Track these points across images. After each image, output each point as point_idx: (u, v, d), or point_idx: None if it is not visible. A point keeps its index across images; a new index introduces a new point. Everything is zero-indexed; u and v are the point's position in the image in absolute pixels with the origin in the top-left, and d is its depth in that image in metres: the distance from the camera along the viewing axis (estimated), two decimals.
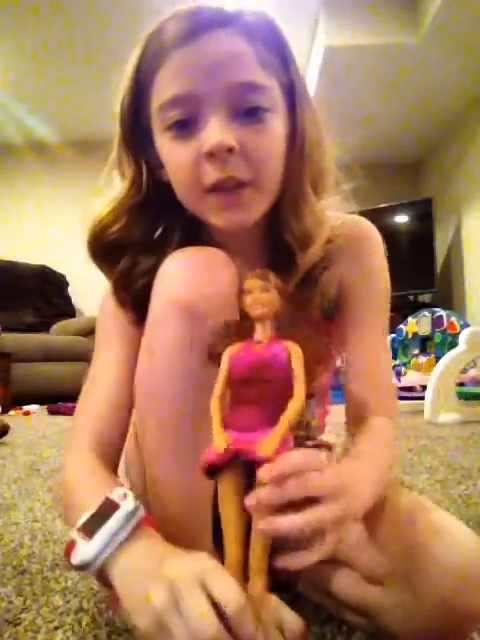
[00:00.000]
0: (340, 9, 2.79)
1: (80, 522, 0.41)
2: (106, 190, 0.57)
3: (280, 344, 0.39)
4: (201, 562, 0.37)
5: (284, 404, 0.38)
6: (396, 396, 0.62)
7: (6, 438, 1.80)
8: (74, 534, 0.40)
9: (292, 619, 0.46)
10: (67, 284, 4.03)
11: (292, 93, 0.53)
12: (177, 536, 0.49)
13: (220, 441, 0.37)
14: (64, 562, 0.71)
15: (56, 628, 0.53)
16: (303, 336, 0.40)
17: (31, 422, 2.46)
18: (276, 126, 0.51)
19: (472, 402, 2.33)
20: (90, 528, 0.40)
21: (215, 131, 0.47)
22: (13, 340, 3.24)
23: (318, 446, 0.63)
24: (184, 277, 0.48)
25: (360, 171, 0.57)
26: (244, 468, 0.38)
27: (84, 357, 3.44)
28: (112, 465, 0.55)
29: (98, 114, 3.47)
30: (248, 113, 0.49)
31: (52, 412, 2.79)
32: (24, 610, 0.57)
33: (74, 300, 4.02)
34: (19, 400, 2.99)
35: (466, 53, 2.84)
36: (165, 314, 0.48)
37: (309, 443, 0.66)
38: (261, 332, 0.40)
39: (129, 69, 0.52)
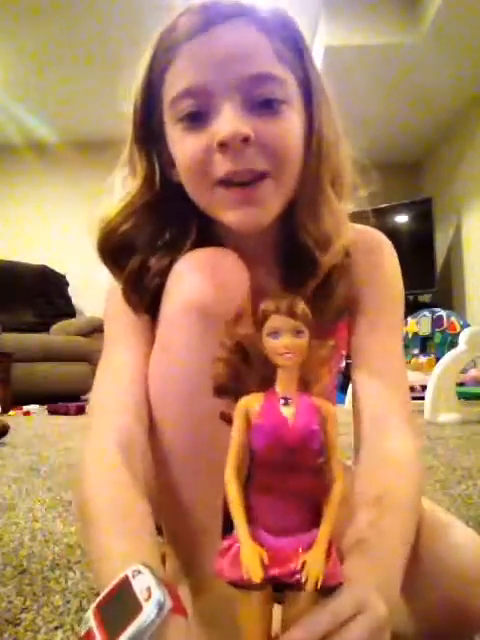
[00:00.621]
0: (340, 9, 2.79)
1: (98, 602, 0.36)
2: (110, 191, 0.57)
3: (311, 404, 0.31)
4: None
5: (316, 489, 0.30)
6: (409, 397, 0.57)
7: (6, 438, 1.80)
8: (92, 622, 0.35)
9: None
10: (67, 284, 4.03)
11: (308, 89, 0.52)
12: (186, 535, 0.49)
13: (254, 565, 0.28)
14: (64, 562, 0.71)
15: (56, 628, 0.53)
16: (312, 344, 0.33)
17: (31, 422, 2.46)
18: (292, 118, 0.49)
19: (472, 402, 2.33)
20: (111, 625, 0.35)
21: (229, 121, 0.46)
22: (13, 340, 3.24)
23: None
24: (196, 279, 0.48)
25: (371, 171, 0.56)
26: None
27: (84, 357, 3.44)
28: (137, 463, 0.49)
29: (98, 114, 3.47)
30: (263, 104, 0.47)
31: (52, 412, 2.79)
32: (24, 610, 0.57)
33: (74, 300, 4.02)
34: (19, 400, 3.00)
35: (466, 53, 2.84)
36: (178, 316, 0.48)
37: None
38: (286, 384, 0.31)
39: (142, 66, 0.51)
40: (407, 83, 3.13)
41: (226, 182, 0.48)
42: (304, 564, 0.28)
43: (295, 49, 0.51)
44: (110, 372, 0.55)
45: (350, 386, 0.57)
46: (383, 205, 3.73)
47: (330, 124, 0.53)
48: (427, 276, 3.66)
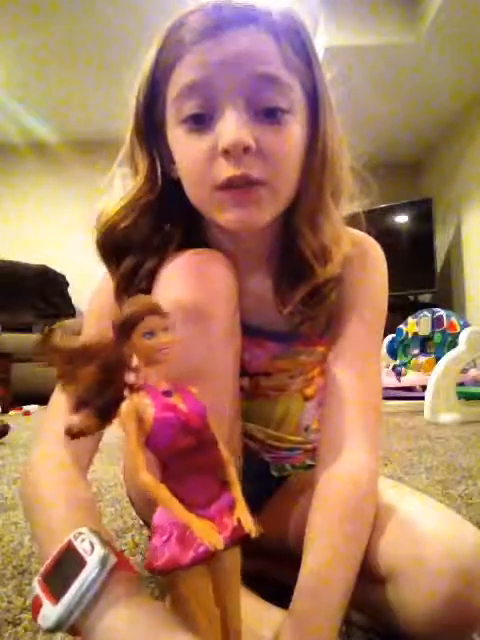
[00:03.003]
0: (340, 9, 2.79)
1: (42, 571, 0.36)
2: (109, 190, 0.57)
3: (183, 389, 0.34)
4: (167, 633, 0.33)
5: (217, 457, 0.34)
6: (379, 424, 0.54)
7: (6, 438, 1.80)
8: (38, 589, 0.35)
9: (278, 614, 0.46)
10: (67, 284, 4.03)
11: (315, 98, 0.51)
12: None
13: (214, 535, 0.31)
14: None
15: None
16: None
17: (31, 422, 2.46)
18: (294, 129, 0.49)
19: (472, 402, 2.33)
20: (55, 585, 0.35)
21: (232, 128, 0.45)
22: (13, 340, 3.24)
23: (316, 449, 0.63)
24: (185, 278, 0.48)
25: (366, 173, 0.56)
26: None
27: None
28: (84, 460, 0.52)
29: (98, 114, 3.47)
30: (267, 113, 0.47)
31: None
32: (24, 610, 0.57)
33: (74, 300, 4.01)
34: (19, 400, 2.99)
35: (466, 53, 2.84)
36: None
37: (308, 447, 0.66)
38: (153, 377, 0.33)
39: (148, 61, 0.51)
40: (407, 83, 3.13)
41: (226, 186, 0.48)
42: (239, 520, 0.32)
43: (305, 57, 0.50)
44: None
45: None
46: (383, 205, 3.73)
47: (334, 134, 0.53)
48: (427, 276, 3.66)
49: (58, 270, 3.96)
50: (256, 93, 0.47)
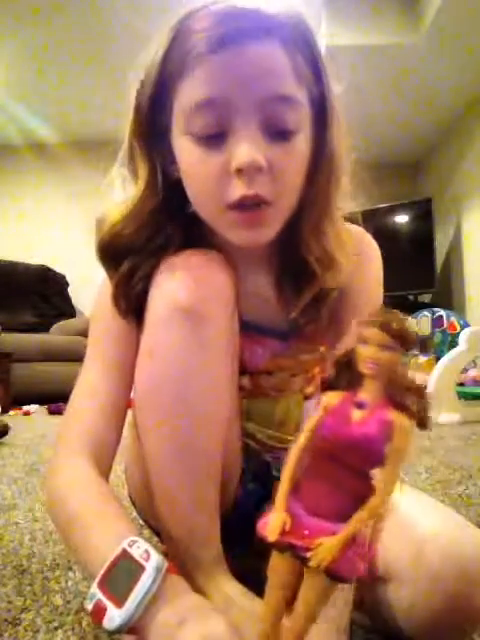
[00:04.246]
0: (341, 9, 2.79)
1: (99, 579, 0.39)
2: (109, 190, 0.56)
3: (383, 415, 0.32)
4: (219, 631, 0.36)
5: (363, 491, 0.32)
6: None
7: (6, 438, 1.79)
8: (100, 595, 0.38)
9: None
10: (67, 284, 4.03)
11: (322, 106, 0.51)
12: (184, 537, 0.49)
13: (274, 526, 0.32)
14: (64, 562, 0.71)
15: (56, 628, 0.53)
16: (417, 395, 0.34)
17: (31, 422, 2.46)
18: (302, 147, 0.50)
19: (472, 402, 2.33)
20: (117, 590, 0.38)
21: (247, 148, 0.45)
22: (13, 340, 3.24)
23: None
24: (181, 280, 0.48)
25: (356, 174, 0.56)
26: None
27: (84, 357, 3.44)
28: (105, 470, 0.53)
29: (98, 114, 3.47)
30: (278, 132, 0.47)
31: (52, 412, 2.79)
32: (24, 610, 0.57)
33: (74, 300, 4.01)
34: (19, 400, 2.99)
35: (466, 53, 2.84)
36: (164, 317, 0.48)
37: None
38: (367, 391, 0.33)
39: (154, 64, 0.49)
40: (407, 83, 3.13)
41: (237, 206, 0.47)
42: (319, 544, 0.31)
43: (314, 66, 0.50)
44: (89, 377, 0.57)
45: None
46: (383, 205, 3.72)
47: (341, 141, 0.53)
48: (427, 276, 3.66)
49: (58, 270, 3.96)
50: (270, 113, 0.47)
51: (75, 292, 3.99)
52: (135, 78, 0.51)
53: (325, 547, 0.30)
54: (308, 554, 0.31)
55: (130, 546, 0.39)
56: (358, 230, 0.61)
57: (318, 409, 0.33)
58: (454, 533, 0.44)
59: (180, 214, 0.54)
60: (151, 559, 0.38)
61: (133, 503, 0.70)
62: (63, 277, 4.01)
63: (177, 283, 0.48)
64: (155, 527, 0.64)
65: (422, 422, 0.33)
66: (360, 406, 0.33)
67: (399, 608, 0.45)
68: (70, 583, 0.64)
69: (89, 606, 0.38)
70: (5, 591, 0.62)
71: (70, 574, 0.67)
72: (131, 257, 0.52)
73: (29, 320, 3.68)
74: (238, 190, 0.47)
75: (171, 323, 0.47)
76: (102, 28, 2.89)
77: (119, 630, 0.37)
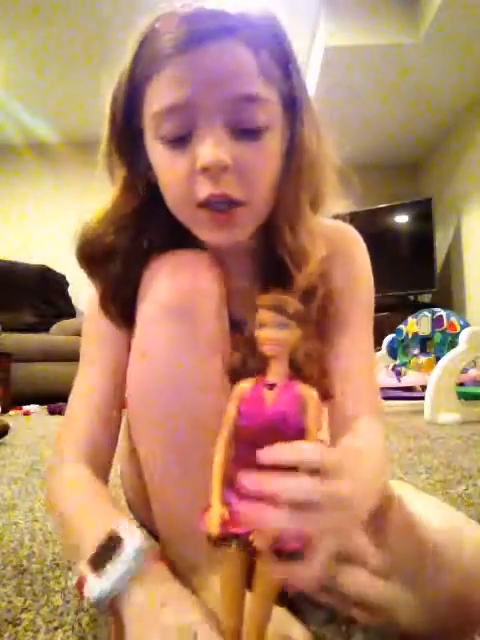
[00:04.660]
0: (340, 9, 2.79)
1: (88, 558, 0.41)
2: (101, 192, 0.56)
3: (293, 390, 0.34)
4: (196, 615, 0.38)
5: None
6: (380, 396, 0.59)
7: (6, 438, 1.79)
8: (83, 568, 0.41)
9: (300, 633, 0.46)
10: (67, 284, 4.03)
11: (293, 104, 0.51)
12: (180, 539, 0.49)
13: (213, 520, 0.33)
14: (64, 562, 0.71)
15: (56, 628, 0.53)
16: (318, 372, 0.36)
17: (31, 422, 2.46)
18: (273, 144, 0.49)
19: (472, 402, 2.33)
20: (100, 564, 0.40)
21: (210, 147, 0.45)
22: (13, 340, 3.24)
23: None
24: (170, 279, 0.48)
25: (356, 174, 0.56)
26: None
27: None
28: (103, 471, 0.54)
29: (98, 114, 3.47)
30: (245, 131, 0.47)
31: (52, 412, 2.79)
32: (24, 610, 0.57)
33: (74, 300, 4.02)
34: (19, 400, 2.99)
35: (466, 53, 2.84)
36: (154, 317, 0.49)
37: None
38: (274, 372, 0.35)
39: (123, 70, 0.50)
40: (407, 83, 3.13)
41: (206, 205, 0.47)
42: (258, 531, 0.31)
43: (283, 64, 0.50)
44: (83, 382, 0.58)
45: None
46: (383, 205, 3.73)
47: (312, 139, 0.52)
48: (427, 276, 3.66)
49: (58, 270, 3.96)
50: (235, 114, 0.46)
51: (75, 292, 3.99)
52: (109, 83, 0.52)
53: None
54: (251, 538, 0.32)
55: (117, 526, 0.42)
56: (340, 227, 0.60)
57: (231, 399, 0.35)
58: (455, 531, 0.44)
59: (163, 216, 0.54)
60: (133, 538, 0.40)
61: (129, 506, 0.70)
62: (63, 277, 4.01)
63: (165, 282, 0.49)
64: (151, 529, 0.64)
65: (324, 392, 0.35)
66: (271, 388, 0.34)
67: (400, 607, 0.45)
68: (70, 583, 0.64)
69: (74, 580, 0.41)
70: (5, 591, 0.62)
71: (70, 574, 0.67)
72: (116, 261, 0.53)
73: (29, 320, 3.68)
74: (205, 189, 0.47)
75: (161, 323, 0.48)
76: (102, 28, 2.89)
77: (99, 601, 0.39)
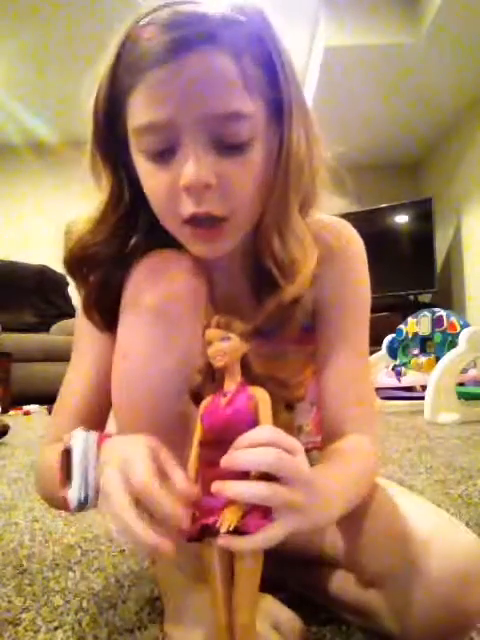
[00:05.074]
0: (340, 9, 2.79)
1: (58, 481, 0.44)
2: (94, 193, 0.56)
3: (245, 393, 0.39)
4: (139, 446, 0.39)
5: None
6: (374, 414, 0.58)
7: (6, 438, 1.80)
8: (61, 492, 0.43)
9: (288, 617, 0.46)
10: (67, 284, 4.02)
11: (280, 107, 0.49)
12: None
13: (186, 518, 0.36)
14: (64, 562, 0.71)
15: (56, 628, 0.53)
16: (275, 382, 0.41)
17: (31, 422, 2.46)
18: (257, 156, 0.47)
19: (472, 402, 2.33)
20: (65, 478, 0.43)
21: (192, 166, 0.44)
22: (13, 340, 3.24)
23: (308, 451, 0.63)
24: (149, 281, 0.49)
25: (356, 174, 0.55)
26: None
27: None
28: None
29: None
30: (229, 146, 0.46)
31: (52, 412, 2.79)
32: (24, 610, 0.57)
33: (74, 300, 4.01)
34: (19, 400, 2.99)
35: (466, 53, 2.84)
36: (134, 319, 0.49)
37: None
38: (227, 381, 0.40)
39: (103, 77, 0.49)
40: (407, 83, 3.13)
41: (191, 222, 0.47)
42: (223, 515, 0.36)
43: (268, 65, 0.47)
44: (71, 379, 0.61)
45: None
46: (383, 205, 3.73)
47: (302, 137, 0.50)
48: (427, 276, 3.66)
49: (58, 270, 3.96)
50: (217, 130, 0.45)
51: (75, 292, 3.98)
52: (92, 85, 0.51)
53: (229, 511, 0.35)
54: (217, 524, 0.35)
55: (67, 441, 0.44)
56: (334, 224, 0.58)
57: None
58: (447, 536, 0.44)
59: (149, 223, 0.53)
60: (78, 440, 0.43)
61: None
62: (63, 277, 4.00)
63: (144, 285, 0.49)
64: None
65: (289, 404, 0.42)
66: (225, 395, 0.40)
67: (394, 613, 0.45)
68: (70, 583, 0.64)
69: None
70: (5, 591, 0.62)
71: (70, 574, 0.67)
72: (104, 266, 0.52)
73: (29, 320, 3.68)
74: (188, 207, 0.46)
75: (139, 325, 0.48)
76: (102, 28, 2.88)
77: (82, 505, 0.42)
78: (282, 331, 0.53)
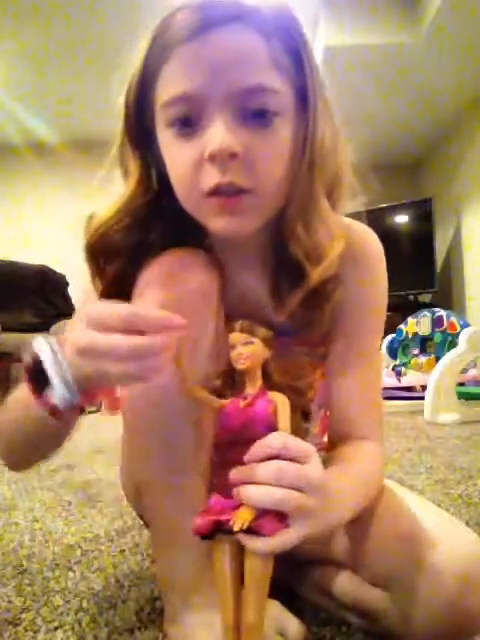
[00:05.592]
0: (340, 9, 2.79)
1: (31, 391, 0.42)
2: (103, 189, 0.56)
3: (265, 397, 0.40)
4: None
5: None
6: (382, 419, 0.58)
7: None
8: (39, 404, 0.41)
9: (294, 625, 0.46)
10: (67, 284, 4.03)
11: (306, 96, 0.50)
12: (169, 532, 0.49)
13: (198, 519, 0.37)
14: (64, 562, 0.71)
15: (56, 628, 0.53)
16: (294, 391, 0.42)
17: None
18: (284, 132, 0.48)
19: (472, 402, 2.33)
20: (38, 388, 0.41)
21: (219, 134, 0.45)
22: (13, 340, 3.24)
23: (318, 452, 0.63)
24: (160, 278, 0.48)
25: (355, 174, 0.55)
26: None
27: None
28: None
29: (98, 114, 3.47)
30: (256, 115, 0.46)
31: None
32: (24, 610, 0.57)
33: (74, 300, 4.01)
34: None
35: (466, 53, 2.84)
36: None
37: None
38: (248, 385, 0.41)
39: (136, 63, 0.50)
40: (407, 83, 3.13)
41: (215, 193, 0.47)
42: (236, 514, 0.36)
43: (295, 53, 0.49)
44: None
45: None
46: (383, 205, 3.73)
47: (327, 130, 0.51)
48: (427, 276, 3.66)
49: (58, 270, 3.96)
50: (245, 103, 0.46)
51: (75, 292, 3.98)
52: (122, 78, 0.51)
53: (243, 510, 0.36)
54: (229, 523, 0.36)
55: (33, 347, 0.43)
56: (356, 226, 0.59)
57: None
58: (452, 537, 0.44)
59: (171, 214, 0.53)
60: (39, 342, 0.42)
61: (128, 498, 0.71)
62: (63, 277, 4.01)
63: (155, 281, 0.48)
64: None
65: (305, 411, 0.43)
66: (245, 398, 0.41)
67: (399, 613, 0.45)
68: (70, 583, 0.64)
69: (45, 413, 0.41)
70: (5, 591, 0.62)
71: (70, 574, 0.67)
72: (124, 257, 0.52)
73: (29, 320, 3.68)
74: (213, 177, 0.46)
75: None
76: (102, 28, 2.89)
77: (70, 402, 0.39)
78: (309, 332, 0.54)
